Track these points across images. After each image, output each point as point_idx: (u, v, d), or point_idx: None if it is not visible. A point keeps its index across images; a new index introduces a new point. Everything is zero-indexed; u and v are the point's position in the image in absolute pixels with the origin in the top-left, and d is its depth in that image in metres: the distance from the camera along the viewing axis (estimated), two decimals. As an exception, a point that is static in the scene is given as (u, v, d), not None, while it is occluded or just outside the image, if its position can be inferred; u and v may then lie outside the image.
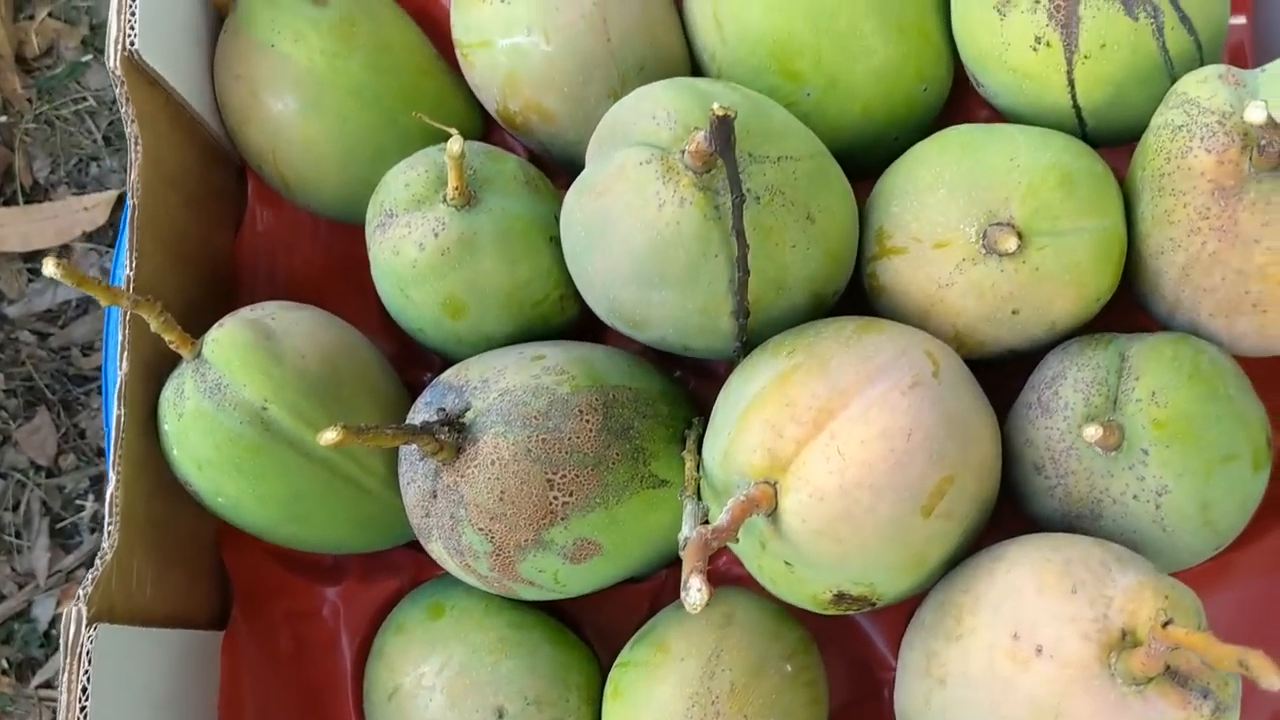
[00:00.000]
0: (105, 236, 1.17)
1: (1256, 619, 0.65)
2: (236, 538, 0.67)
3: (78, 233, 1.23)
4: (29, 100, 1.24)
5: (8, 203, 1.20)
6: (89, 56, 1.20)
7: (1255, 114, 0.50)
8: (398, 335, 0.67)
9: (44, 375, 1.14)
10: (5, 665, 1.05)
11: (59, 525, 1.13)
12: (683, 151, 0.53)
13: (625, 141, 0.55)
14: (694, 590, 0.47)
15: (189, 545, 0.66)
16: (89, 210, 1.23)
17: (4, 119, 1.20)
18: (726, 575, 0.67)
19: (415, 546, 0.67)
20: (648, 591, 0.67)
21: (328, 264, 0.73)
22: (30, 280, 1.21)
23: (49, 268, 0.54)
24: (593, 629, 0.68)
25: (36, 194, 1.24)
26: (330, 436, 0.51)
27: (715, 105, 0.49)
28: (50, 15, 1.26)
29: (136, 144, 0.62)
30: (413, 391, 0.66)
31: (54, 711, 1.06)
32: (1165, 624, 0.49)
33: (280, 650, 0.69)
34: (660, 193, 0.53)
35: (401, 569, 0.69)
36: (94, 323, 1.15)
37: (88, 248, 1.23)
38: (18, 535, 1.11)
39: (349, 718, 0.68)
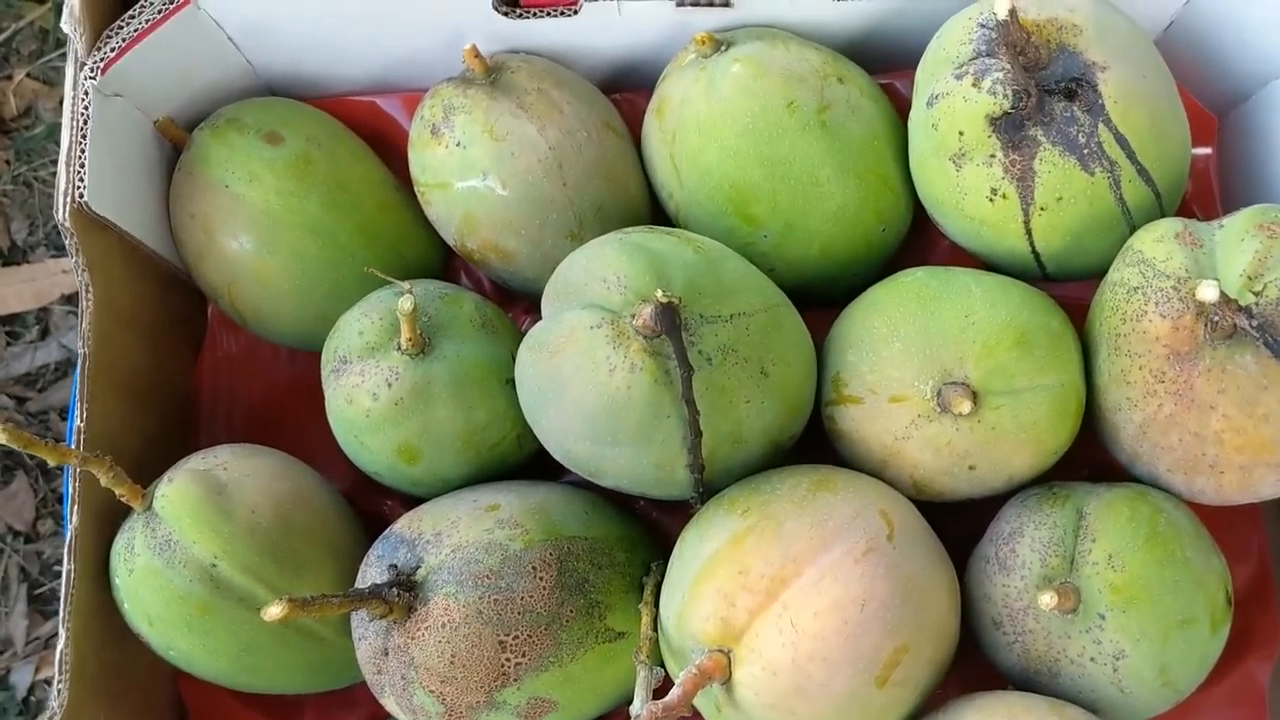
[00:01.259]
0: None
1: (1221, 757, 0.65)
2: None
3: (56, 295, 1.23)
4: (6, 161, 1.24)
5: (-14, 265, 1.19)
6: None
7: (1208, 293, 0.49)
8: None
9: (22, 441, 1.13)
10: (-19, 736, 1.05)
11: (37, 591, 1.12)
12: (633, 315, 0.53)
13: (577, 302, 0.55)
14: (641, 781, 0.46)
15: (145, 683, 0.66)
16: (67, 273, 1.22)
17: (-19, 183, 1.20)
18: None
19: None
20: (610, 730, 0.67)
21: (290, 389, 0.72)
22: (9, 344, 1.20)
23: (-6, 431, 0.53)
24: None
25: (15, 256, 1.23)
26: (274, 612, 0.50)
27: (659, 292, 0.49)
28: (29, 76, 1.25)
29: (87, 292, 0.61)
30: (372, 523, 0.66)
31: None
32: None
33: (237, 788, 0.68)
34: (611, 357, 0.53)
35: (360, 704, 0.68)
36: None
37: (66, 310, 1.22)
38: (-5, 602, 1.10)
39: None
